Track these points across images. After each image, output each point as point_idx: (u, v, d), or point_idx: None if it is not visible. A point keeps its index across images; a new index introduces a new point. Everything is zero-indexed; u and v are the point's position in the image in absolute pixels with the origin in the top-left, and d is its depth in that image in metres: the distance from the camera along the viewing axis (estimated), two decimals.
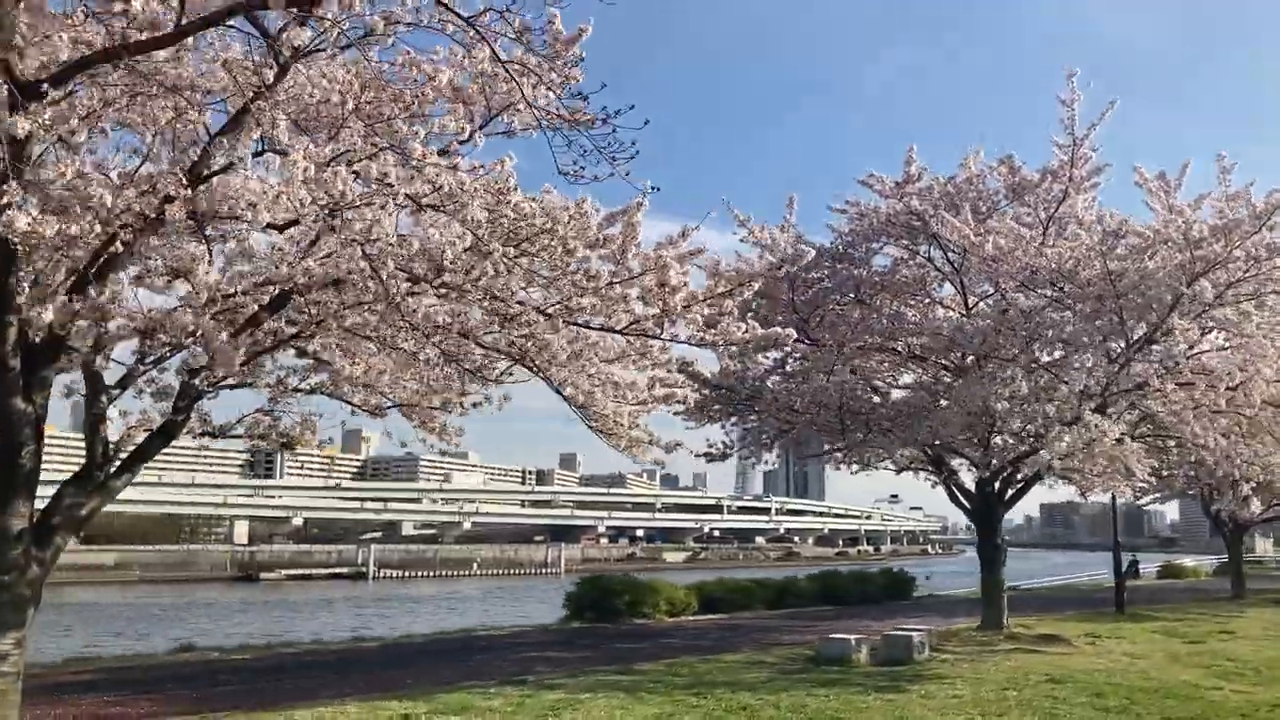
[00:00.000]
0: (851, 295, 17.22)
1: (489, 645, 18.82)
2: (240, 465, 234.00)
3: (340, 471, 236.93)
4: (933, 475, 20.11)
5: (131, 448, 8.38)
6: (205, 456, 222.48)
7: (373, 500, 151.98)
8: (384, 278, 6.49)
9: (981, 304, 17.39)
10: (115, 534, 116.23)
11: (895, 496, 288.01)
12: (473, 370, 8.99)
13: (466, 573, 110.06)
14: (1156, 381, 14.10)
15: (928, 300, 18.09)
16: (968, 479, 19.81)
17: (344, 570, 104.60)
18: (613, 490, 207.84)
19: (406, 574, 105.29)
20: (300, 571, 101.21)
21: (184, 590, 79.51)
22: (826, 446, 19.55)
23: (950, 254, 16.88)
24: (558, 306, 8.01)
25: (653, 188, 7.69)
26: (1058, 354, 15.69)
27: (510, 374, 9.42)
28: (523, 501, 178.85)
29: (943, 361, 17.36)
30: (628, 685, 12.52)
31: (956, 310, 17.38)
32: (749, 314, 18.32)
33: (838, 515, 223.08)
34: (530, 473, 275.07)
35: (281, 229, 6.63)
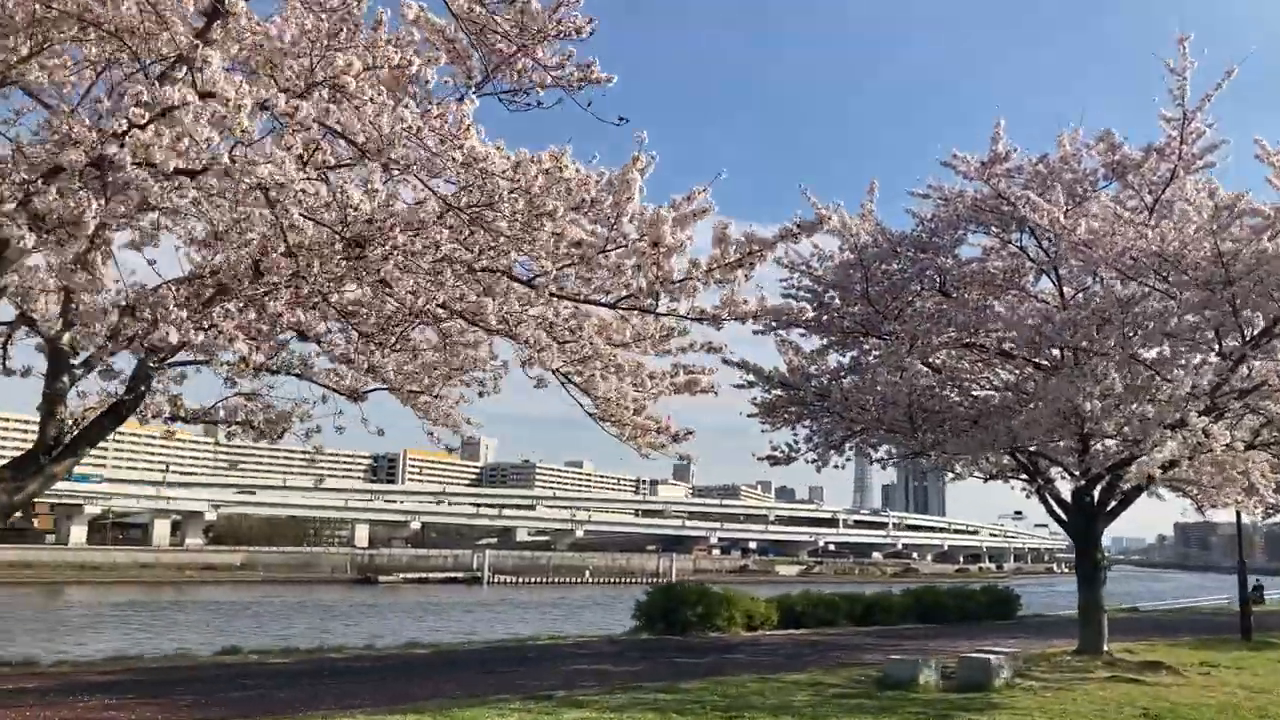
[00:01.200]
0: (935, 287, 15.81)
1: (542, 655, 17.98)
2: (364, 470, 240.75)
3: (459, 477, 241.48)
4: (1027, 485, 18.44)
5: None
6: (331, 461, 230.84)
7: (488, 506, 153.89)
8: (284, 229, 5.65)
9: (1079, 296, 15.75)
10: (243, 536, 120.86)
11: (1019, 513, 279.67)
12: (460, 344, 8.15)
13: (579, 580, 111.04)
14: (1277, 381, 12.43)
15: (1020, 295, 16.47)
16: (1064, 489, 18.14)
17: (459, 575, 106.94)
18: (725, 501, 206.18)
19: (520, 580, 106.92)
20: (417, 575, 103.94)
21: (304, 591, 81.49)
22: (895, 450, 17.97)
23: (1044, 242, 15.35)
24: (547, 277, 7.11)
25: (621, 119, 6.74)
26: (1165, 349, 14.02)
27: (497, 361, 8.59)
28: (635, 511, 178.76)
29: (1034, 360, 15.78)
30: (661, 705, 11.49)
31: (1053, 305, 15.84)
32: (817, 307, 17.29)
33: (958, 531, 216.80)
34: (643, 482, 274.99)
35: (194, 175, 5.89)
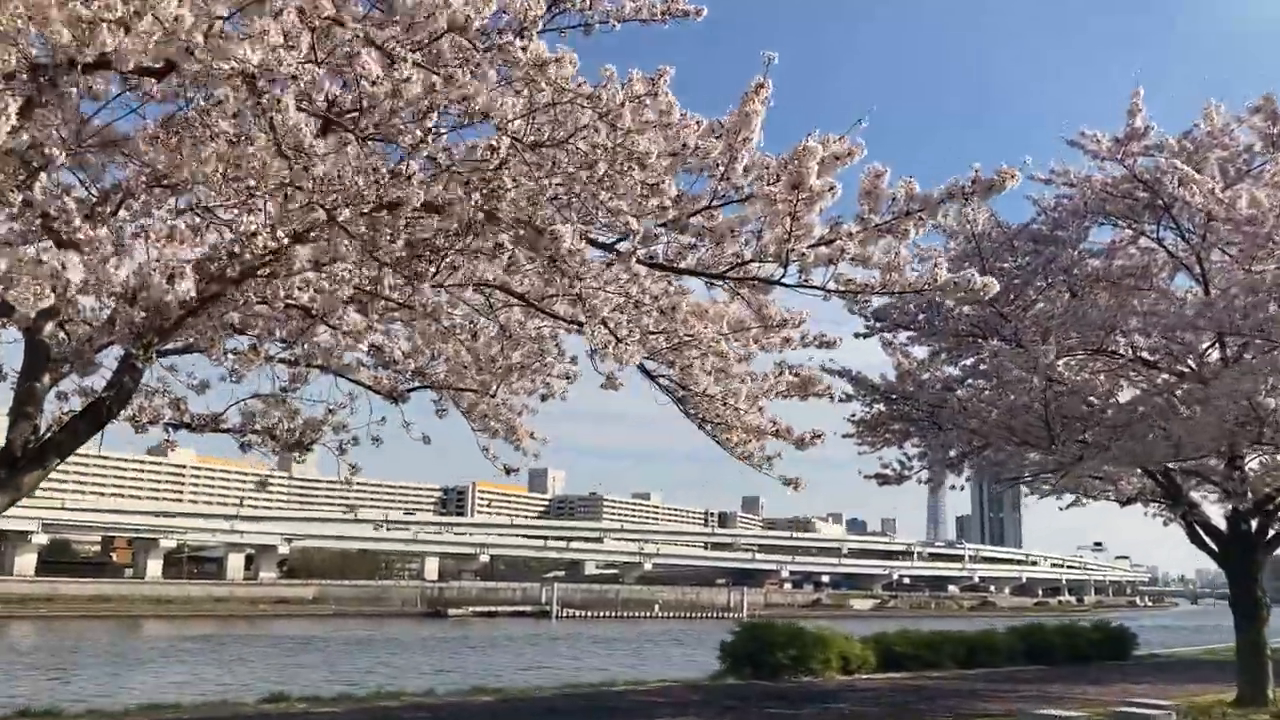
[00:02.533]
0: (1062, 284, 13.87)
1: (617, 705, 16.28)
2: (433, 503, 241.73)
3: (527, 510, 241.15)
4: (1166, 510, 16.32)
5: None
6: (401, 493, 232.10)
7: (556, 539, 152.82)
8: (276, 121, 4.15)
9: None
10: (316, 569, 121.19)
11: (1099, 544, 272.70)
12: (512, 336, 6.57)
13: (648, 614, 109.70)
14: None
15: (1153, 294, 14.42)
16: (1214, 513, 16.01)
17: (528, 608, 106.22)
18: (796, 534, 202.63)
19: (589, 613, 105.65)
20: (486, 609, 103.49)
21: (374, 624, 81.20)
22: (1031, 467, 15.81)
23: (1188, 231, 13.39)
24: (633, 239, 5.53)
25: (771, 60, 5.16)
26: None
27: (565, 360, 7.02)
28: (704, 544, 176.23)
29: (1179, 368, 13.72)
30: None
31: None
32: (926, 308, 15.47)
33: (1036, 563, 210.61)
34: (712, 515, 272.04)
35: (159, 76, 4.46)
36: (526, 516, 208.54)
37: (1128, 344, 13.48)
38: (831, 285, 5.88)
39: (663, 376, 6.83)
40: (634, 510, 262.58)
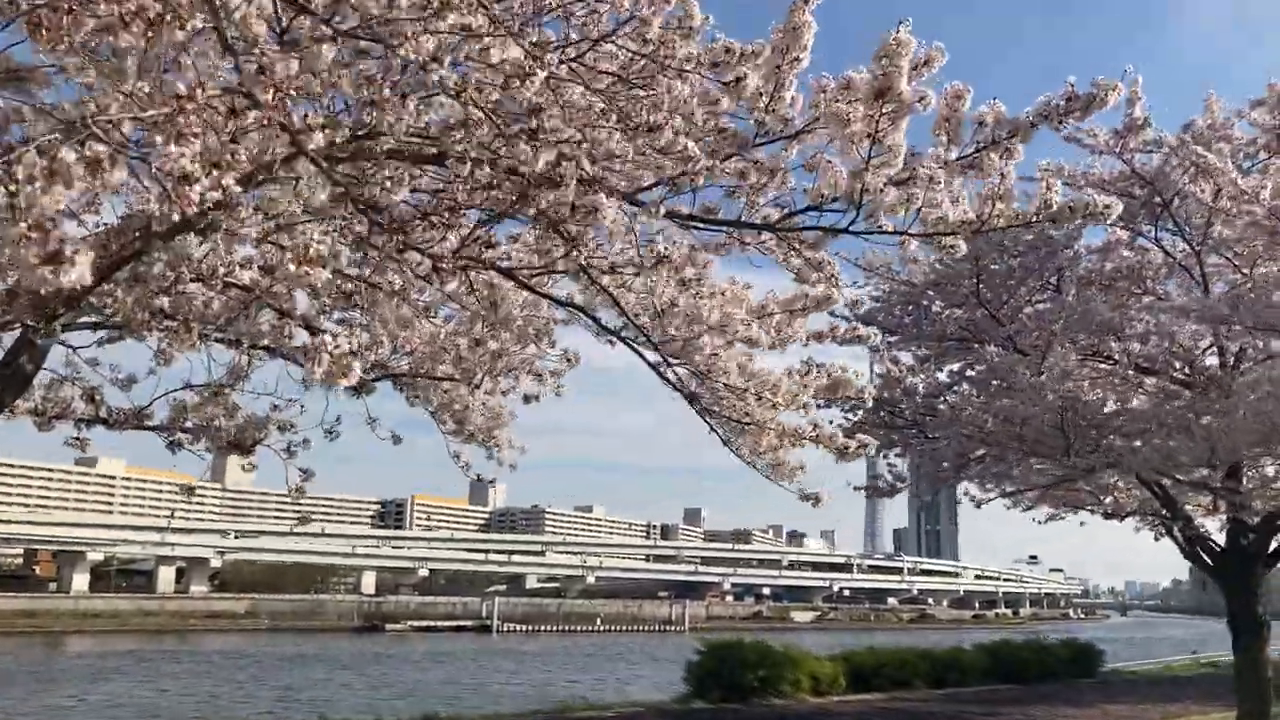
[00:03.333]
0: (1053, 287, 13.11)
1: None
2: (370, 516, 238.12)
3: (467, 523, 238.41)
4: (1161, 523, 15.61)
5: None
6: (339, 507, 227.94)
7: (497, 552, 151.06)
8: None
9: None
10: (249, 583, 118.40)
11: (1034, 558, 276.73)
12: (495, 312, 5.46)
13: (590, 628, 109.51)
14: None
15: (1147, 298, 13.71)
16: (1210, 526, 15.35)
17: (468, 622, 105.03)
18: (738, 546, 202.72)
19: (530, 628, 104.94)
20: (425, 624, 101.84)
21: (309, 639, 79.64)
22: (1040, 477, 14.87)
23: (1188, 231, 12.73)
24: (658, 190, 4.53)
25: None
26: None
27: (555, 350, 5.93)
28: (646, 556, 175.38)
29: (1177, 375, 13.02)
30: None
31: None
32: (911, 311, 14.69)
33: (974, 576, 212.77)
34: (654, 527, 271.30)
35: None
36: (467, 530, 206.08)
37: (1122, 349, 12.76)
38: (916, 228, 4.59)
39: (674, 367, 5.76)
40: (577, 523, 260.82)
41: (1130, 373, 12.84)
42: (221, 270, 5.06)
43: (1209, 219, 11.92)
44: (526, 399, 6.56)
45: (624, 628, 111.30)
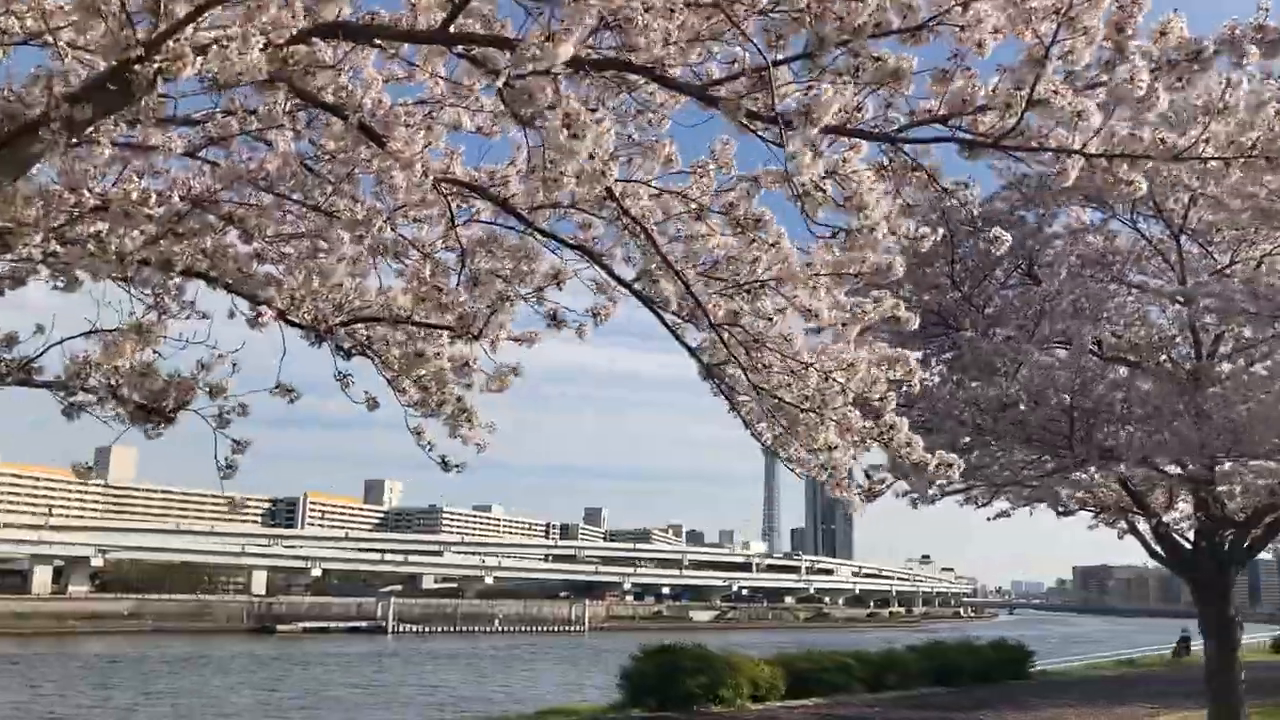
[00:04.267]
0: (1025, 271, 12.61)
1: None
2: (261, 515, 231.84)
3: (362, 522, 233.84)
4: (1130, 520, 15.20)
5: None
6: (226, 504, 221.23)
7: (394, 552, 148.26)
8: None
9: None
10: (132, 582, 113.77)
11: (927, 557, 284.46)
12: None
13: (488, 629, 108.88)
14: None
15: (1114, 285, 13.23)
16: (1183, 525, 14.99)
17: (363, 624, 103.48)
18: (638, 546, 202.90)
19: (427, 629, 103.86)
20: (318, 624, 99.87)
21: (197, 642, 77.33)
22: (1031, 470, 14.22)
23: (1167, 210, 12.25)
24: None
25: None
26: None
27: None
28: (546, 556, 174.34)
29: (1152, 365, 12.61)
30: None
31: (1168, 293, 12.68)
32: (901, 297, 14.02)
33: (869, 575, 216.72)
34: (554, 527, 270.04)
35: None
36: (362, 529, 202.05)
37: (1095, 336, 12.31)
38: (1095, 146, 3.56)
39: (720, 329, 4.75)
40: (475, 523, 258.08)
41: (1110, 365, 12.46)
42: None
43: (1192, 198, 11.46)
44: (554, 318, 5.25)
45: (523, 628, 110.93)
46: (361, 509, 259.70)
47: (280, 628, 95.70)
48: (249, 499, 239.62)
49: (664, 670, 19.48)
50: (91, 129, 3.66)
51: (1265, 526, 13.93)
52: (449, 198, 4.46)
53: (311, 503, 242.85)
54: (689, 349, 5.15)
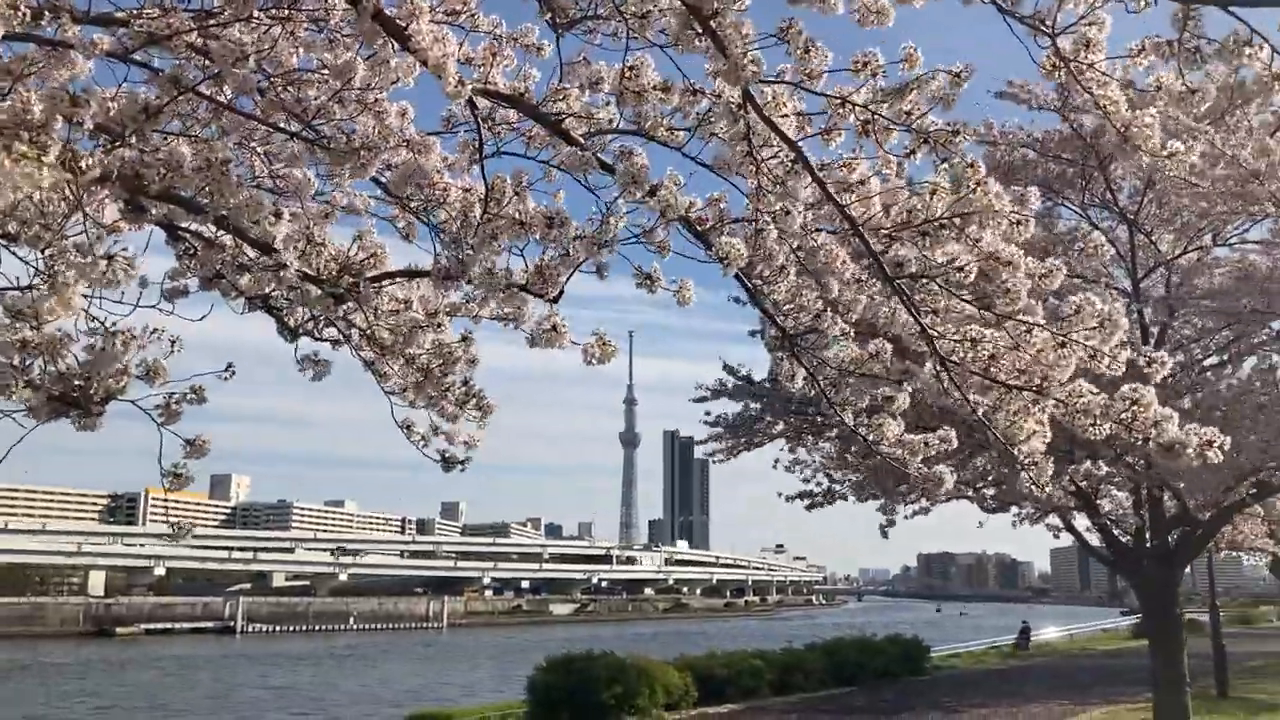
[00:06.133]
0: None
1: None
2: (99, 511, 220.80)
3: (207, 518, 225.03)
4: (1067, 519, 15.15)
5: None
6: (61, 501, 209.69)
7: (241, 550, 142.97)
8: None
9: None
10: None
11: (780, 546, 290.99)
12: None
13: (342, 627, 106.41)
14: None
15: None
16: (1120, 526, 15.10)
17: (209, 624, 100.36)
18: (498, 540, 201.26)
19: (278, 628, 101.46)
20: (161, 626, 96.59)
21: (26, 647, 72.88)
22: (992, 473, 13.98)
23: (1124, 197, 12.30)
24: None
25: None
26: None
27: None
28: (403, 552, 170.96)
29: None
30: None
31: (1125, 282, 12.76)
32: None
33: (725, 565, 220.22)
34: (410, 522, 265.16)
35: None
36: (207, 525, 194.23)
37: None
38: None
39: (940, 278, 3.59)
40: (327, 518, 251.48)
41: None
42: None
43: (1149, 181, 11.48)
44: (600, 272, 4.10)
45: (379, 626, 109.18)
46: (207, 505, 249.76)
47: (120, 630, 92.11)
48: (86, 495, 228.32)
49: (576, 681, 18.65)
50: None
51: (1209, 522, 14.04)
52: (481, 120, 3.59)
53: (153, 498, 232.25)
54: (770, 317, 4.33)
